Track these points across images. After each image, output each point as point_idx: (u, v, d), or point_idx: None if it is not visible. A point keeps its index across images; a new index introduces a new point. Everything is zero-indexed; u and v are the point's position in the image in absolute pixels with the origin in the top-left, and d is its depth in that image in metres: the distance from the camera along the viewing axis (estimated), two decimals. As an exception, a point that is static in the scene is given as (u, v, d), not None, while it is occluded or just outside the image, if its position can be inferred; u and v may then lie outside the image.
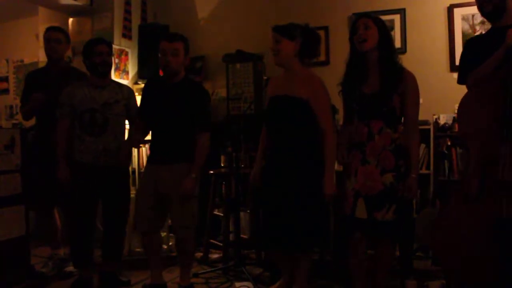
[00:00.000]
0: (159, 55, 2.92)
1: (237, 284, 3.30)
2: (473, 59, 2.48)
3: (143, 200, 2.99)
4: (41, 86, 3.48)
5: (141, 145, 4.02)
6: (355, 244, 2.62)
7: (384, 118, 2.51)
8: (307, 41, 2.65)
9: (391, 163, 2.50)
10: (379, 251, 2.65)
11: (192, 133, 2.96)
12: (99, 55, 3.14)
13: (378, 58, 2.52)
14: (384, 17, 4.07)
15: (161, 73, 3.15)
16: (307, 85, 2.62)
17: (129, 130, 3.40)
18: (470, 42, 2.69)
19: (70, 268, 3.50)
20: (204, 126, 2.97)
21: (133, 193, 3.43)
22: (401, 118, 2.60)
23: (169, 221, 3.85)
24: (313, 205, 2.58)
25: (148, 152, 3.26)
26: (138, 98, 3.32)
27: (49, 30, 3.60)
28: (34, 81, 3.60)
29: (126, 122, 3.35)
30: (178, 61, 2.90)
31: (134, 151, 4.00)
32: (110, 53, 3.22)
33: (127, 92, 3.31)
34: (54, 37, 3.53)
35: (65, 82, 3.31)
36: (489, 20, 2.58)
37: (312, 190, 2.58)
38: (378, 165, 2.50)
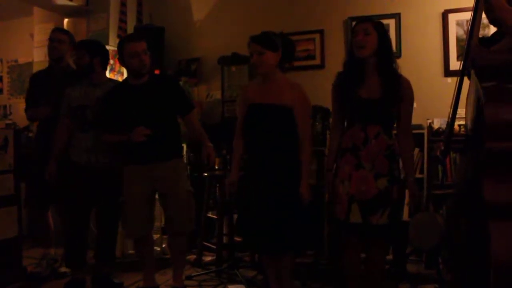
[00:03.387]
0: (127, 58, 2.92)
1: (231, 286, 3.30)
2: None
3: (135, 204, 2.96)
4: (43, 87, 3.54)
5: None
6: (351, 249, 2.62)
7: (381, 123, 2.52)
8: (286, 49, 2.70)
9: (386, 168, 2.50)
10: (372, 254, 2.65)
11: (176, 126, 3.05)
12: (74, 60, 3.25)
13: (377, 64, 2.51)
14: (379, 22, 4.15)
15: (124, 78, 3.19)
16: (291, 93, 2.65)
17: None
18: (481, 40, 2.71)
19: (63, 268, 3.49)
20: (187, 108, 3.09)
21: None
22: (394, 123, 2.61)
23: (162, 223, 3.87)
24: (294, 208, 2.60)
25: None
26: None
27: (53, 31, 3.69)
28: (37, 82, 3.65)
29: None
30: (149, 59, 2.98)
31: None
32: (81, 56, 3.20)
33: None
34: (57, 38, 3.59)
35: (66, 83, 3.33)
36: (494, 26, 2.61)
37: (293, 194, 2.60)
38: (372, 170, 2.49)
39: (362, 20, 2.60)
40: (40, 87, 3.57)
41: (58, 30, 3.74)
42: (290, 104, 2.61)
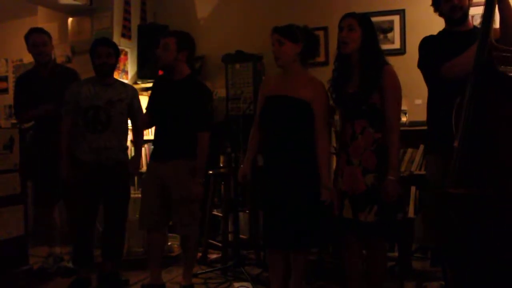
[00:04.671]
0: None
1: (236, 284, 3.30)
2: (440, 55, 2.46)
3: (149, 197, 3.02)
4: (34, 90, 3.51)
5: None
6: (348, 246, 2.62)
7: (367, 117, 2.48)
8: (308, 43, 2.67)
9: (373, 163, 2.47)
10: (370, 252, 2.64)
11: (193, 130, 3.00)
12: (98, 57, 3.18)
13: (360, 59, 2.50)
14: (384, 18, 4.14)
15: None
16: (310, 87, 2.63)
17: (133, 131, 3.41)
18: (428, 40, 2.69)
19: (69, 264, 3.51)
20: (201, 126, 2.99)
21: (133, 193, 3.44)
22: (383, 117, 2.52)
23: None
24: (312, 204, 2.58)
25: (150, 150, 3.28)
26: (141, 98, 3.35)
27: (32, 33, 3.53)
28: (26, 85, 3.60)
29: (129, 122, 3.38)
30: (169, 55, 2.96)
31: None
32: (110, 54, 3.22)
33: (132, 92, 3.34)
34: (41, 41, 3.50)
35: (56, 82, 3.33)
36: (454, 24, 2.59)
37: (311, 190, 2.58)
38: (360, 166, 2.48)
39: (347, 15, 2.56)
40: (30, 91, 3.53)
41: (37, 31, 3.56)
42: (308, 98, 2.59)
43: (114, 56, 3.25)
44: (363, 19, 2.52)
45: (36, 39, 3.49)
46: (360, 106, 2.48)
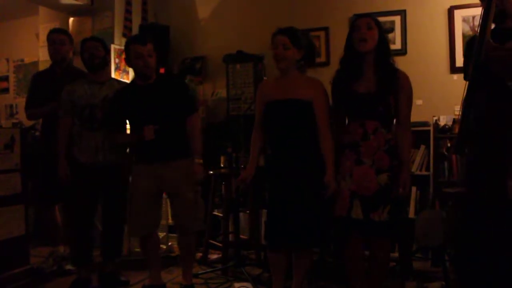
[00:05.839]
0: (133, 59, 2.95)
1: (237, 284, 3.30)
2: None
3: (139, 203, 2.97)
4: (47, 88, 3.53)
5: None
6: (352, 246, 2.62)
7: (379, 118, 2.51)
8: (309, 50, 2.70)
9: (386, 163, 2.49)
10: (375, 252, 2.63)
11: (184, 126, 3.02)
12: (86, 51, 3.22)
13: (375, 59, 2.52)
14: (385, 18, 4.14)
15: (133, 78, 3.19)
16: (309, 86, 2.64)
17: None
18: (470, 40, 2.71)
19: (69, 266, 3.51)
20: (189, 109, 3.06)
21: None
22: (393, 118, 2.60)
23: (169, 221, 3.88)
24: (313, 204, 2.58)
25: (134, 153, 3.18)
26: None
27: (53, 32, 3.64)
28: (40, 82, 3.63)
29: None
30: (154, 61, 2.98)
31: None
32: (98, 47, 3.23)
33: None
34: (58, 39, 3.57)
35: (67, 83, 3.34)
36: (494, 22, 2.60)
37: (312, 190, 2.58)
38: (373, 165, 2.49)
39: (364, 15, 2.61)
40: (43, 88, 3.55)
41: (57, 31, 3.68)
42: (308, 97, 2.61)
43: (102, 49, 3.26)
44: (378, 20, 2.57)
45: (55, 37, 3.58)
46: (376, 107, 2.50)
